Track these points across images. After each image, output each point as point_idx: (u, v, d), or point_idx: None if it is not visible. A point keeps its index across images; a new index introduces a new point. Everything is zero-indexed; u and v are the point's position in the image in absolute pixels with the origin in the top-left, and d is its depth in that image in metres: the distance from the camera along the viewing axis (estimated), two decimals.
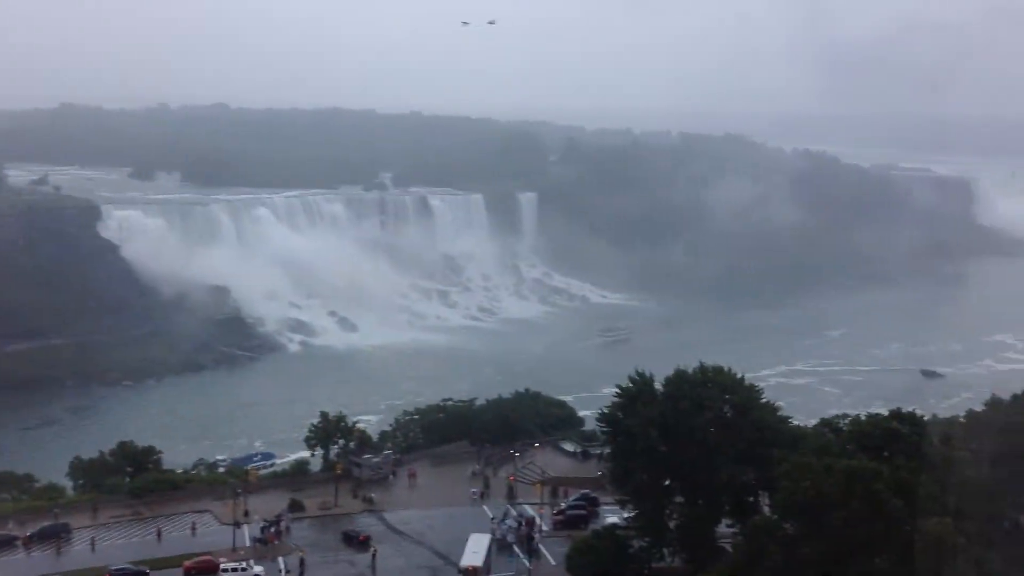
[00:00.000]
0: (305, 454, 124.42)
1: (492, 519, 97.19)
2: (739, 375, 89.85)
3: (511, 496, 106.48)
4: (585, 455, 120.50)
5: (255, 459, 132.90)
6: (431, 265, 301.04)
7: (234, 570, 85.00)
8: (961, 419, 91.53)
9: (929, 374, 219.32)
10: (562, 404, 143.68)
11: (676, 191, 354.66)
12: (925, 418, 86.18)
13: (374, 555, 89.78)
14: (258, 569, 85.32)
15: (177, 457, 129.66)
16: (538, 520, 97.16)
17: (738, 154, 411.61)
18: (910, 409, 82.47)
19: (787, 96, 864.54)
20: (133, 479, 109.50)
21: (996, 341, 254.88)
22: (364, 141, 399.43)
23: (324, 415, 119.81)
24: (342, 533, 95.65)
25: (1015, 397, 75.92)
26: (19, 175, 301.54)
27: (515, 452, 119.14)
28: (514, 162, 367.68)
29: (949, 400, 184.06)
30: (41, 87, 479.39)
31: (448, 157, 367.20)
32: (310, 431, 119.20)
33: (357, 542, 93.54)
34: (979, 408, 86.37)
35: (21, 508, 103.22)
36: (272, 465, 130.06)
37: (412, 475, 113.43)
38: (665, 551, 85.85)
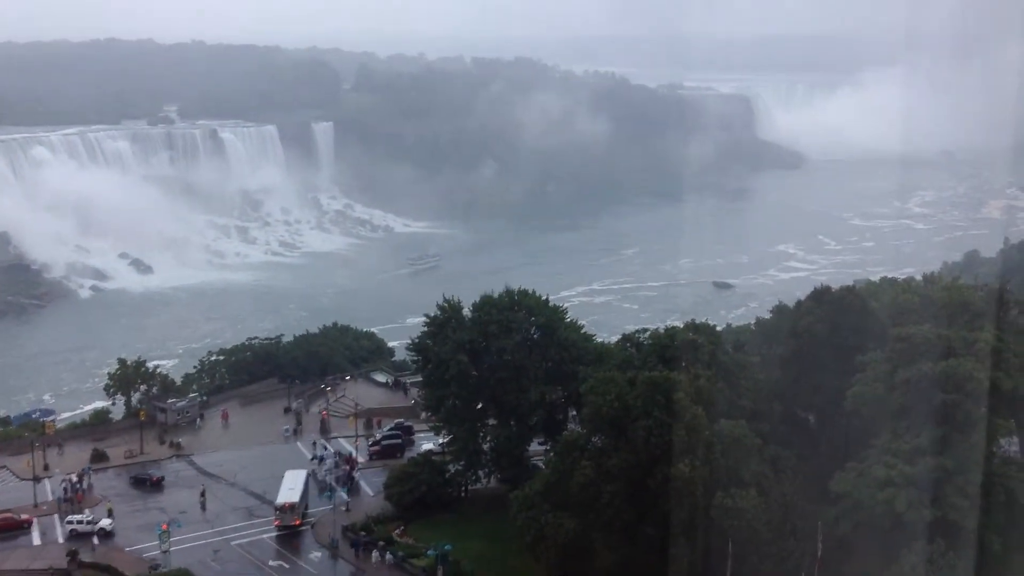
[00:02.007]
0: (103, 404, 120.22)
1: (312, 459, 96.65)
2: (544, 297, 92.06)
3: (324, 431, 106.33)
4: (397, 385, 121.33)
5: (33, 415, 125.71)
6: (227, 201, 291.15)
7: (80, 522, 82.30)
8: (752, 327, 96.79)
9: (720, 285, 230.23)
10: (371, 336, 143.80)
11: (474, 116, 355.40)
12: (719, 328, 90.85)
13: (203, 494, 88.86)
14: (105, 522, 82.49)
15: None
16: (355, 454, 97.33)
17: (532, 78, 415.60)
18: (704, 320, 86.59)
19: (573, 18, 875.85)
20: None
21: (779, 251, 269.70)
22: (145, 73, 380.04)
23: (122, 361, 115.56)
24: (131, 478, 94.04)
25: (798, 303, 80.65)
26: None
27: (326, 386, 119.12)
28: (307, 91, 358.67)
29: (739, 309, 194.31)
30: None
31: (237, 88, 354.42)
32: (109, 379, 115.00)
33: (149, 484, 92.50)
34: (766, 316, 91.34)
35: None
36: (54, 422, 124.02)
37: (225, 416, 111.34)
38: (481, 473, 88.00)
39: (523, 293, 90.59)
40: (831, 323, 73.55)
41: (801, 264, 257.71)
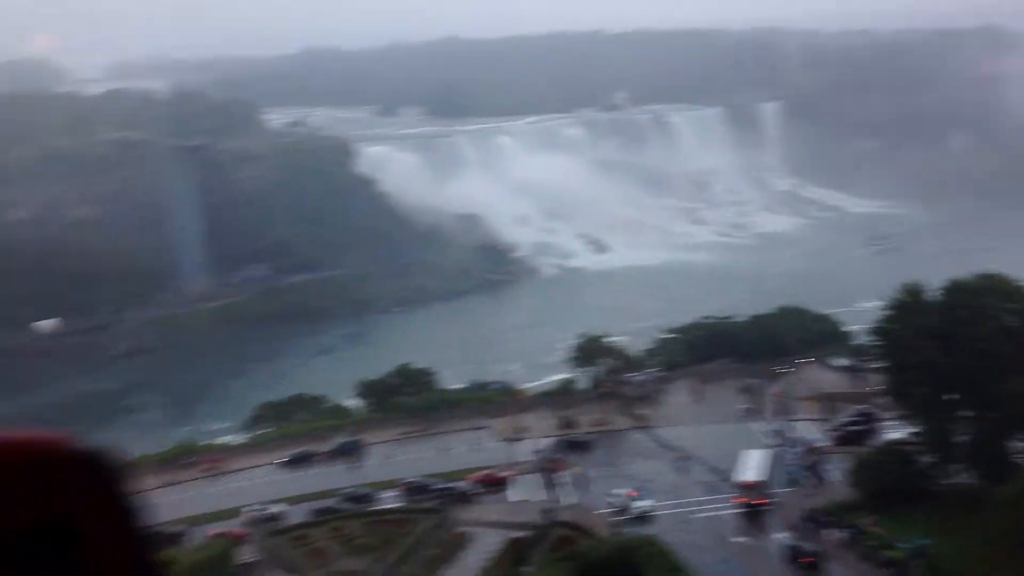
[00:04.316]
0: (566, 375, 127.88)
1: (774, 446, 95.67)
2: (1021, 282, 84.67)
3: (781, 412, 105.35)
4: (856, 370, 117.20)
5: (494, 385, 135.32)
6: (675, 183, 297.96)
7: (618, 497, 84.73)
8: None
9: None
10: (825, 319, 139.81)
11: (934, 91, 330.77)
12: None
13: (680, 461, 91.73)
14: (644, 503, 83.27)
15: (448, 378, 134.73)
16: (816, 438, 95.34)
17: (1002, 48, 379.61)
18: None
19: None
20: (415, 398, 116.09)
21: None
22: (594, 62, 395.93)
23: (585, 335, 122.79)
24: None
25: None
26: (276, 118, 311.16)
27: (782, 368, 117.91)
28: (751, 72, 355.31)
29: None
30: (283, 34, 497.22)
31: (681, 72, 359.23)
32: (574, 351, 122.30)
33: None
34: None
35: (317, 427, 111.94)
36: (524, 389, 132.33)
37: (694, 389, 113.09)
38: (955, 467, 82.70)
39: (996, 277, 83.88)
40: None
41: None
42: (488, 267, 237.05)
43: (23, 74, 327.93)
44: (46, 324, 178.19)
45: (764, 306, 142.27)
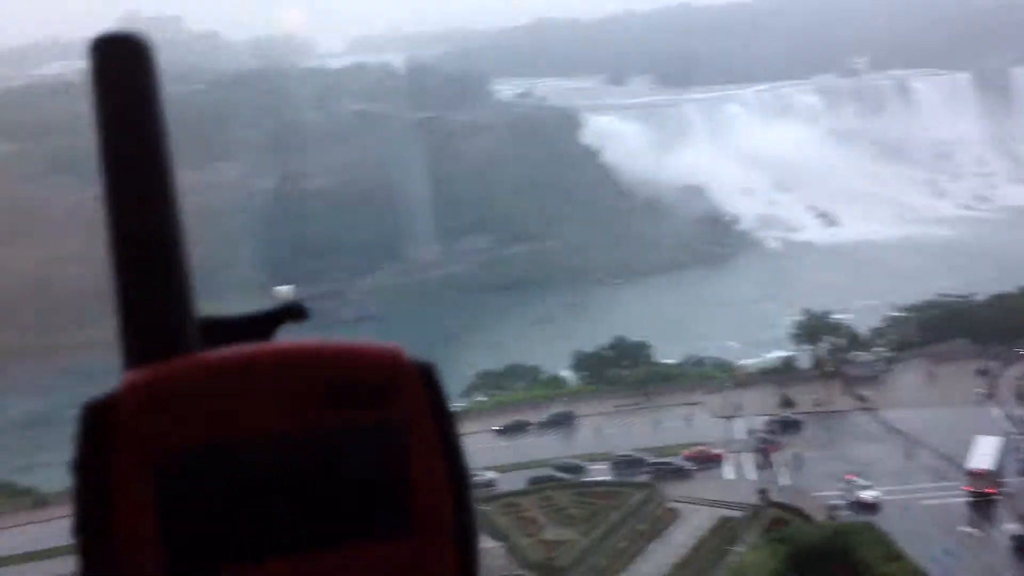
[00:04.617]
0: (784, 352, 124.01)
1: (1011, 433, 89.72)
2: None
3: (1021, 398, 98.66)
4: None
5: (709, 362, 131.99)
6: (916, 153, 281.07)
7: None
8: None
9: None
10: None
11: None
12: None
13: (909, 443, 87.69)
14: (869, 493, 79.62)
15: (662, 352, 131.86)
16: None
17: None
18: None
19: None
20: (630, 371, 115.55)
21: None
22: (835, 25, 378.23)
23: (808, 312, 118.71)
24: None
25: None
26: (506, 89, 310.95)
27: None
28: (1005, 34, 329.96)
29: None
30: (518, 5, 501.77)
31: (930, 35, 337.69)
32: (796, 328, 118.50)
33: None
34: None
35: (532, 397, 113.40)
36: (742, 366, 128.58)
37: (926, 371, 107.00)
38: None
39: None
40: None
41: None
42: (710, 240, 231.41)
43: (273, 50, 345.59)
44: (283, 290, 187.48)
45: (1008, 285, 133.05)
